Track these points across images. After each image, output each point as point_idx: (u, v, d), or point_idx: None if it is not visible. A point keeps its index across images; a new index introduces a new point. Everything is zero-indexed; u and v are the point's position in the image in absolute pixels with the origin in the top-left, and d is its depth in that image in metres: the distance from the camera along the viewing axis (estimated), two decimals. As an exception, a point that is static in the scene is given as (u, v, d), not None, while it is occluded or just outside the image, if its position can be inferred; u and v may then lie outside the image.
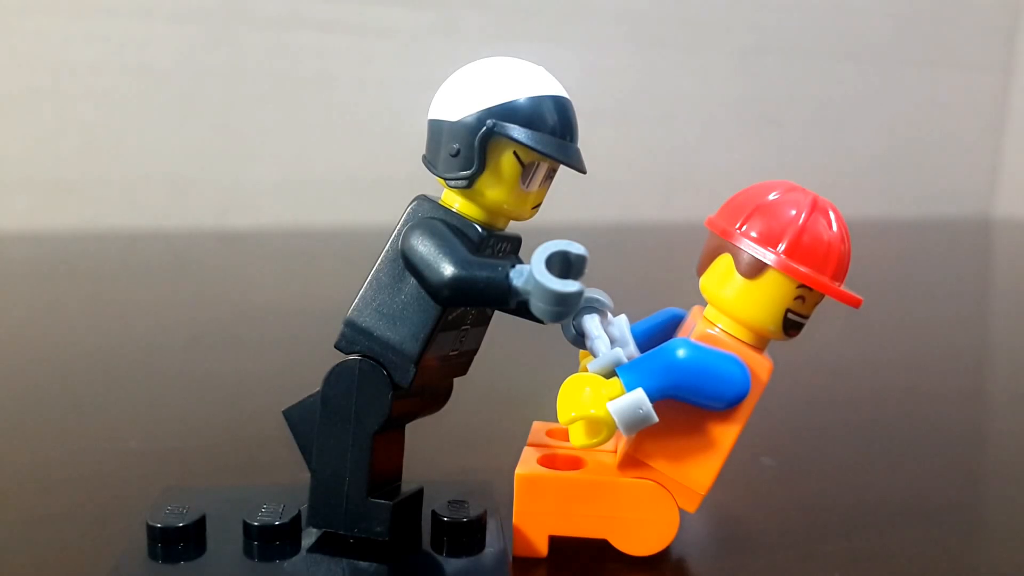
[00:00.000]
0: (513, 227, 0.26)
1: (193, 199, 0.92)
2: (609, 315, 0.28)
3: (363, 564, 0.24)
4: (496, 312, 0.26)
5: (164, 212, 0.91)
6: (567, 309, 0.22)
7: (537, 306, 0.22)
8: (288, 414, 0.26)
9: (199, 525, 0.25)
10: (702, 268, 0.27)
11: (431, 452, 0.30)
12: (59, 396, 0.40)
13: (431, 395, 0.27)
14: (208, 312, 0.58)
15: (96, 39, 0.87)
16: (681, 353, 0.25)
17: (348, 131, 0.96)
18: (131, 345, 0.49)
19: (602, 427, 0.25)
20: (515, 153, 0.24)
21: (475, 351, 0.28)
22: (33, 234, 0.86)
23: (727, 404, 0.25)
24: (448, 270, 0.23)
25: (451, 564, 0.24)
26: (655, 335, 0.29)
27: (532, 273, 0.22)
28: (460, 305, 0.24)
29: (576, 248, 0.23)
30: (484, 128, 0.24)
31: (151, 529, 0.25)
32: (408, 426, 0.28)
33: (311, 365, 0.27)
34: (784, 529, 0.30)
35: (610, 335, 0.27)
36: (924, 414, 0.42)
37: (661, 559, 0.27)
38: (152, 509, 0.25)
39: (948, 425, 0.41)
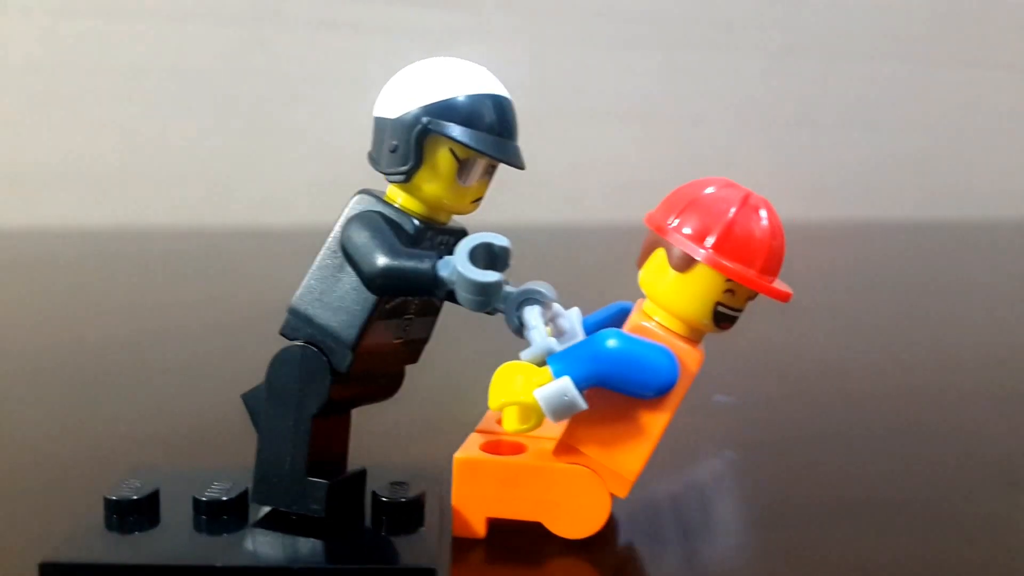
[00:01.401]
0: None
1: (230, 197, 0.94)
2: (557, 307, 0.29)
3: (302, 540, 0.25)
4: (451, 304, 0.28)
5: (202, 210, 0.94)
6: (488, 299, 0.23)
7: (461, 295, 0.24)
8: (246, 398, 0.28)
9: (152, 499, 0.26)
10: (641, 262, 0.27)
11: (387, 438, 0.31)
12: (79, 385, 0.42)
13: (379, 381, 0.28)
14: (239, 306, 0.60)
15: (137, 41, 0.90)
16: (609, 343, 0.26)
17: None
18: (159, 336, 0.51)
19: (531, 413, 0.26)
20: (451, 150, 0.25)
21: (425, 340, 0.29)
22: (75, 230, 0.89)
23: (655, 393, 0.26)
24: (379, 260, 0.24)
25: (386, 541, 0.25)
26: (606, 327, 0.30)
27: (455, 264, 0.23)
28: (391, 294, 0.25)
29: (500, 240, 0.24)
30: (420, 125, 0.25)
31: (107, 502, 0.26)
32: (364, 412, 0.29)
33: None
34: (729, 519, 0.30)
35: (560, 327, 0.28)
36: (952, 416, 0.42)
37: (597, 544, 0.27)
38: (112, 485, 0.27)
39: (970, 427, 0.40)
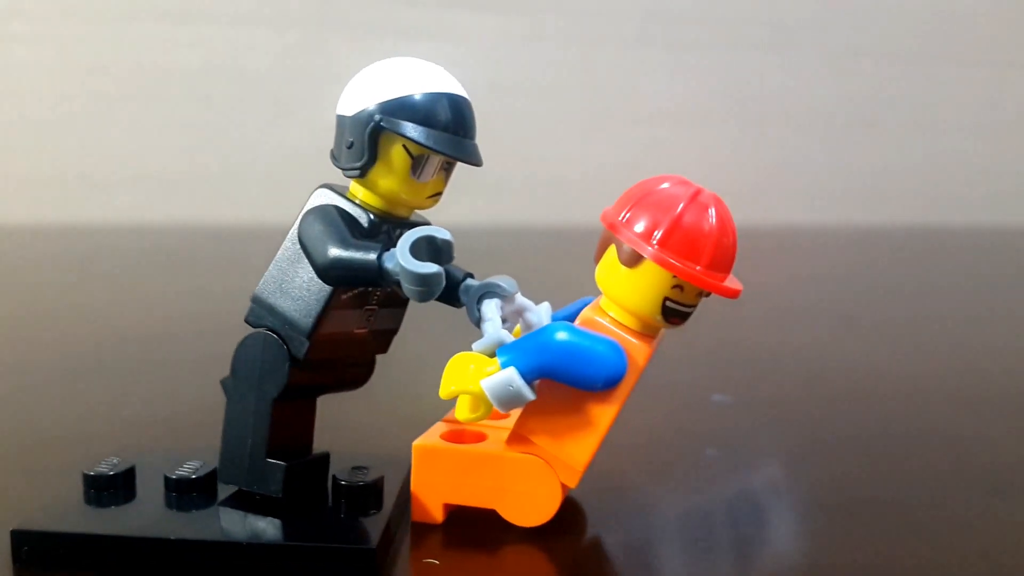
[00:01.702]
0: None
1: (287, 195, 0.97)
2: (526, 301, 0.29)
3: (259, 518, 0.27)
4: None
5: (260, 207, 0.96)
6: (429, 289, 0.24)
7: (405, 286, 0.25)
8: (224, 383, 0.29)
9: (128, 475, 0.28)
10: (597, 257, 0.28)
11: (359, 426, 0.33)
12: (107, 371, 0.45)
13: (345, 370, 0.29)
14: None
15: (198, 44, 0.93)
16: (556, 335, 0.26)
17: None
18: (208, 327, 0.53)
19: (480, 403, 0.26)
20: (404, 146, 0.26)
21: (394, 330, 0.30)
22: (138, 227, 0.93)
23: (603, 385, 0.26)
24: (329, 251, 0.25)
25: (337, 523, 0.26)
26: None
27: (396, 256, 0.24)
28: (342, 284, 0.26)
29: (442, 234, 0.25)
30: (373, 122, 0.26)
31: (85, 477, 0.28)
32: (338, 401, 0.30)
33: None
34: (690, 513, 0.31)
35: (528, 321, 0.29)
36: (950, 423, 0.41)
37: (553, 532, 0.28)
38: (92, 462, 0.29)
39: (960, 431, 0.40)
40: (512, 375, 0.26)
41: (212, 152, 0.95)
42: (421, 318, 0.32)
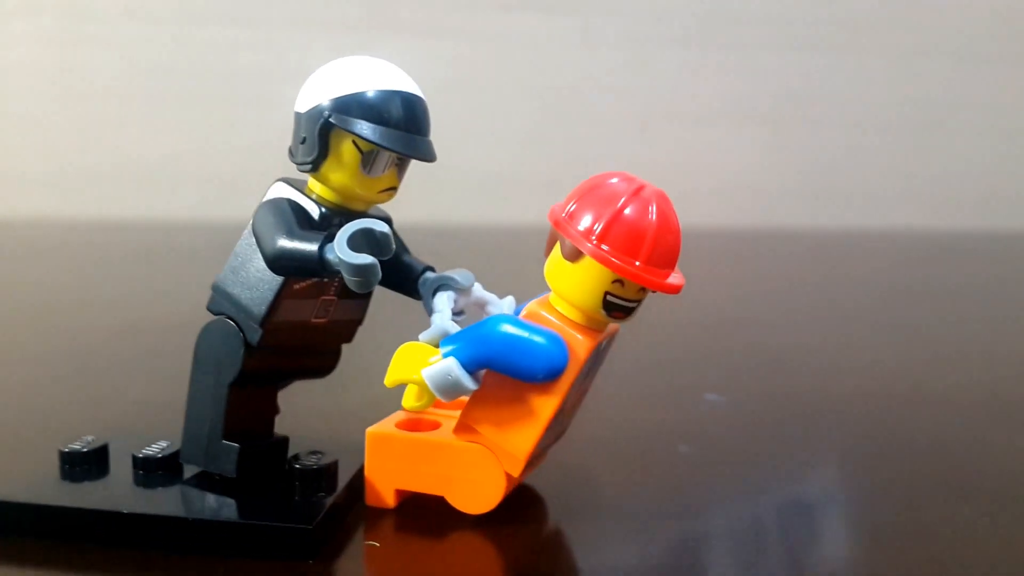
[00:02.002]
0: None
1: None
2: (489, 295, 0.30)
3: (215, 496, 0.28)
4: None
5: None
6: (366, 279, 0.25)
7: (345, 277, 0.25)
8: None
9: (101, 453, 0.30)
10: (546, 252, 0.28)
11: (326, 413, 0.33)
12: (98, 361, 0.47)
13: (308, 358, 0.30)
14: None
15: (261, 47, 0.96)
16: (496, 327, 0.27)
17: (488, 133, 1.00)
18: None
19: (424, 391, 0.27)
20: (354, 142, 0.27)
21: (357, 321, 0.31)
22: (202, 223, 0.96)
23: (544, 376, 0.27)
24: (276, 243, 0.26)
25: (285, 502, 0.27)
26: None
27: (334, 247, 0.25)
28: (289, 275, 0.27)
29: (379, 226, 0.26)
30: (323, 119, 0.27)
31: (60, 454, 0.29)
32: (307, 389, 0.31)
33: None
34: (653, 508, 0.31)
35: (489, 314, 0.30)
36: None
37: (507, 522, 0.29)
38: (70, 441, 0.30)
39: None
40: (451, 365, 0.27)
41: (273, 153, 0.98)
42: (391, 309, 0.33)
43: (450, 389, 0.27)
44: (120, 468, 0.30)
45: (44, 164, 0.94)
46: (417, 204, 0.98)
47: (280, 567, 0.26)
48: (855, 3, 1.07)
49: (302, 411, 0.33)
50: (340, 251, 0.25)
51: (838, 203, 1.08)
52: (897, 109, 1.09)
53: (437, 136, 0.93)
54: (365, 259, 0.25)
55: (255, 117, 0.97)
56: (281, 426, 0.31)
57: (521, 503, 0.31)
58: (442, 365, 0.27)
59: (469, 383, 0.27)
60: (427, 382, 0.27)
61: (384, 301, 0.32)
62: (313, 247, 0.26)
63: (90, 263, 0.79)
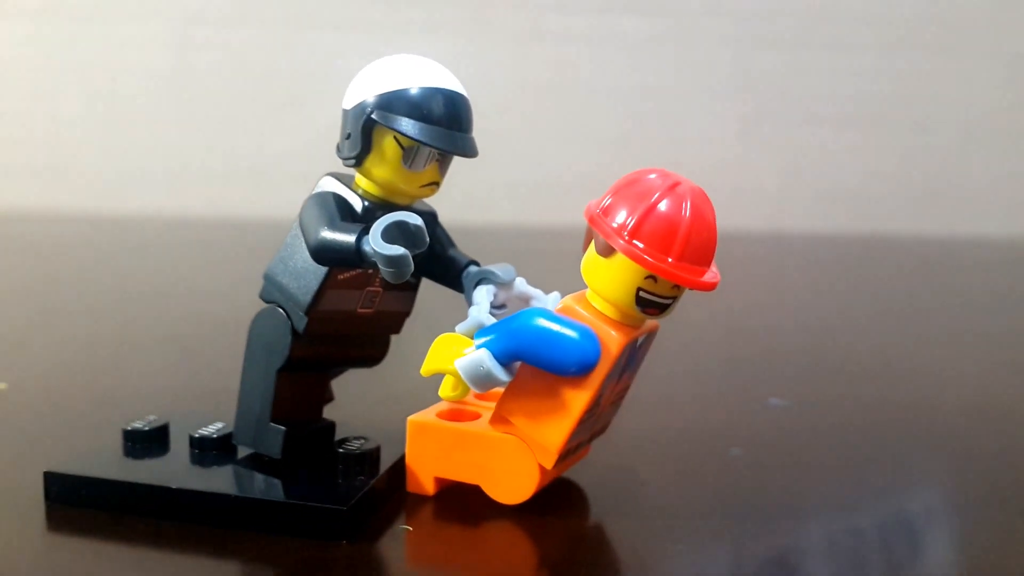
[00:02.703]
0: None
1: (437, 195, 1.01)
2: (534, 290, 0.31)
3: (261, 476, 0.29)
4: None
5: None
6: (399, 270, 0.26)
7: (380, 268, 0.26)
8: None
9: (161, 432, 0.31)
10: (584, 247, 0.29)
11: (378, 401, 0.34)
12: (167, 347, 0.49)
13: (356, 347, 0.31)
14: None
15: (356, 51, 0.99)
16: (529, 320, 0.27)
17: (582, 135, 1.01)
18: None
19: (459, 382, 0.28)
20: (395, 138, 0.28)
21: (405, 313, 0.32)
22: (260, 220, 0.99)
23: (577, 370, 0.27)
24: (318, 234, 0.27)
25: (326, 484, 0.28)
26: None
27: (369, 239, 0.26)
28: (330, 265, 0.28)
29: (413, 219, 0.26)
30: (366, 115, 0.28)
31: (123, 432, 0.31)
32: (361, 377, 0.32)
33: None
34: (698, 509, 0.31)
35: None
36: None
37: (546, 514, 0.29)
38: (134, 420, 0.32)
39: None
40: (483, 356, 0.27)
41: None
42: (441, 301, 0.33)
43: (482, 380, 0.27)
44: (179, 447, 0.31)
45: (158, 162, 0.98)
46: (510, 205, 0.99)
47: (315, 546, 0.27)
48: (963, 3, 1.03)
49: (354, 399, 0.34)
50: (374, 242, 0.26)
51: (944, 209, 1.04)
52: (1007, 113, 1.04)
53: (532, 138, 0.96)
54: (397, 250, 0.26)
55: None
56: (332, 412, 0.33)
57: (563, 497, 0.31)
58: (475, 356, 0.27)
59: (501, 375, 0.27)
60: (460, 372, 0.27)
61: (435, 294, 0.32)
62: (351, 238, 0.27)
63: (196, 257, 0.83)
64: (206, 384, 0.32)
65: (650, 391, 0.43)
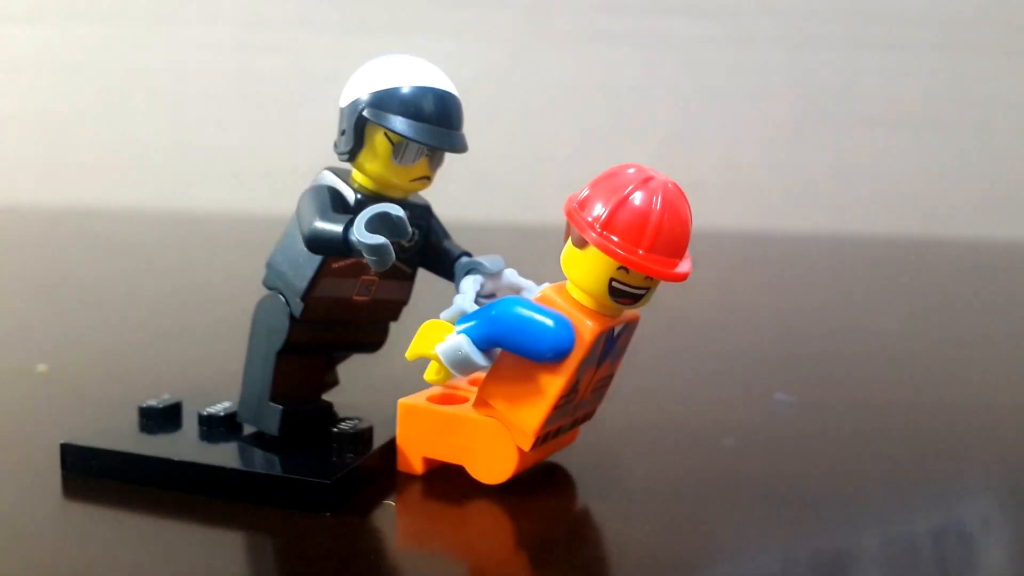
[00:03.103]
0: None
1: (492, 195, 1.02)
2: (525, 281, 0.32)
3: (259, 451, 0.31)
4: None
5: (465, 204, 1.03)
6: (380, 258, 0.27)
7: (365, 256, 0.28)
8: None
9: (174, 410, 0.33)
10: (565, 239, 0.30)
11: (376, 386, 0.36)
12: (187, 332, 0.52)
13: (355, 333, 0.33)
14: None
15: (427, 56, 1.01)
16: (507, 307, 0.29)
17: (633, 138, 1.01)
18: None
19: (441, 366, 0.29)
20: (385, 134, 0.30)
21: (402, 301, 0.33)
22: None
23: (552, 356, 0.28)
24: (309, 224, 0.29)
25: (316, 460, 0.30)
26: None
27: (354, 230, 0.28)
28: (321, 253, 0.30)
29: (395, 210, 0.28)
30: (358, 112, 0.30)
31: (139, 409, 0.33)
32: (363, 362, 0.34)
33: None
34: (684, 490, 0.32)
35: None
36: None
37: (532, 496, 0.31)
38: (148, 398, 0.34)
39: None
40: (462, 341, 0.29)
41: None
42: (439, 290, 0.35)
43: (461, 364, 0.29)
44: (190, 424, 0.33)
45: (221, 162, 1.02)
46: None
47: (302, 517, 0.28)
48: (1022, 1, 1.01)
49: (357, 383, 0.36)
50: (358, 232, 0.27)
51: (1003, 211, 1.02)
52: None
53: (585, 139, 0.97)
54: (377, 239, 0.27)
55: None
56: (335, 395, 0.34)
57: (549, 480, 0.32)
58: (454, 341, 0.29)
59: (479, 359, 0.29)
60: (440, 357, 0.29)
61: (431, 284, 0.34)
62: (339, 228, 0.28)
63: (256, 252, 0.86)
64: (219, 366, 0.34)
65: (654, 382, 0.44)
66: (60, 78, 1.04)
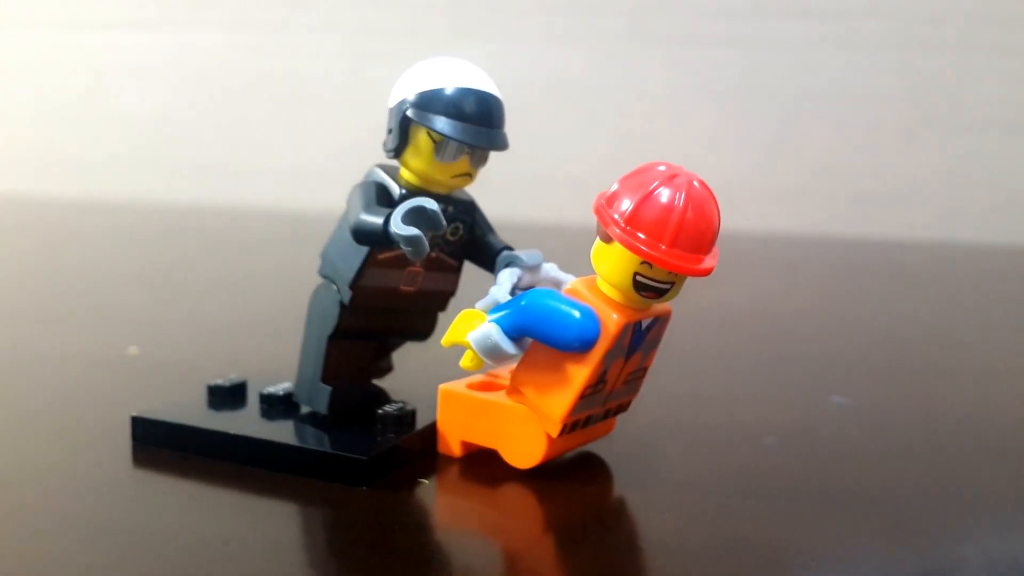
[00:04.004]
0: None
1: (592, 199, 1.04)
2: (563, 275, 0.34)
3: (308, 428, 0.33)
4: None
5: (562, 208, 1.04)
6: (415, 248, 0.29)
7: (401, 246, 0.30)
8: None
9: (239, 388, 0.36)
10: (597, 233, 0.31)
11: (427, 372, 0.38)
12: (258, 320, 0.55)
13: (402, 322, 0.35)
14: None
15: (511, 60, 1.03)
16: (536, 298, 0.30)
17: (738, 139, 1.01)
18: None
19: (475, 354, 0.31)
20: (428, 132, 0.31)
21: (449, 292, 0.35)
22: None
23: (579, 345, 0.30)
24: (355, 216, 0.31)
25: (359, 438, 0.32)
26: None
27: (391, 222, 0.30)
28: (365, 244, 0.31)
29: (430, 204, 0.30)
30: (403, 112, 0.31)
31: (207, 387, 0.36)
32: (417, 350, 0.36)
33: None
34: (721, 486, 0.32)
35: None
36: None
37: (566, 483, 0.32)
38: (218, 378, 0.37)
39: None
40: (491, 329, 0.30)
41: (523, 157, 1.04)
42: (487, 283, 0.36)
43: (490, 351, 0.30)
44: (253, 402, 0.36)
45: (334, 163, 1.06)
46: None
47: (341, 490, 0.30)
48: None
49: (412, 368, 0.37)
50: (394, 224, 0.29)
51: None
52: None
53: (689, 143, 0.97)
54: (411, 231, 0.29)
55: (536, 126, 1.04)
56: (389, 380, 0.36)
57: (587, 469, 0.34)
58: (484, 329, 0.30)
59: (508, 347, 0.30)
60: (471, 344, 0.30)
61: (479, 277, 0.36)
62: (380, 220, 0.30)
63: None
64: (284, 350, 0.37)
65: (705, 381, 0.45)
66: (184, 83, 1.11)
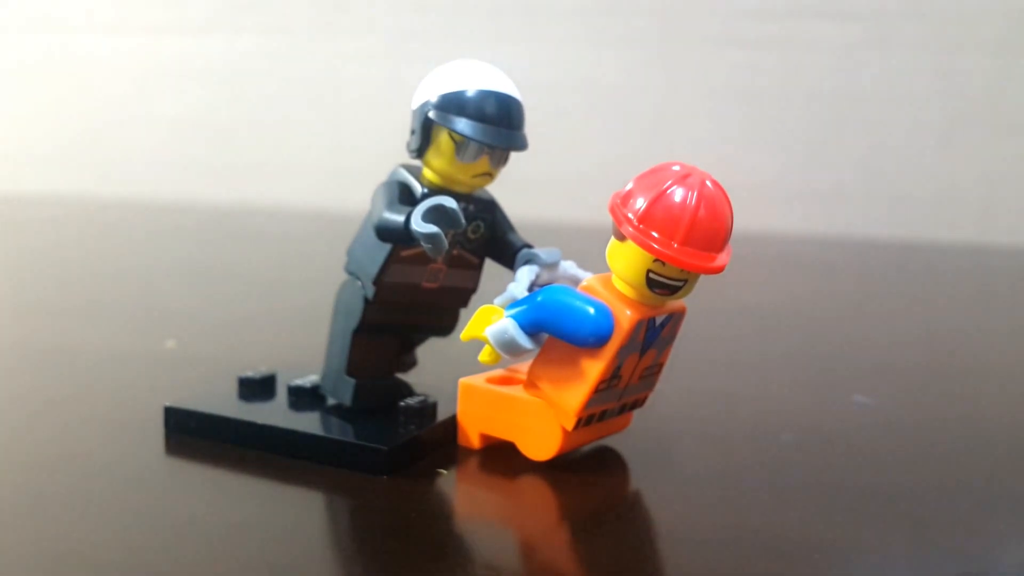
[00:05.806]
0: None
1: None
2: (570, 270, 0.34)
3: (333, 419, 0.34)
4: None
5: (599, 208, 1.05)
6: (434, 245, 0.30)
7: (421, 243, 0.31)
8: None
9: (268, 380, 0.37)
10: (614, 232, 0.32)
11: (450, 368, 0.39)
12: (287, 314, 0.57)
13: (425, 317, 0.36)
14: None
15: (555, 63, 1.04)
16: (551, 294, 0.31)
17: (772, 140, 1.01)
18: None
19: (492, 348, 0.32)
20: (449, 133, 0.32)
21: (471, 289, 0.36)
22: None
23: (594, 340, 0.30)
24: (378, 214, 0.32)
25: (381, 429, 0.33)
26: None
27: (411, 219, 0.31)
28: (387, 241, 0.32)
29: (449, 202, 0.31)
30: (424, 114, 0.32)
31: (239, 379, 0.37)
32: (437, 345, 0.37)
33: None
34: (738, 481, 0.33)
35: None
36: None
37: (584, 476, 0.33)
38: (249, 370, 0.38)
39: None
40: (507, 324, 0.31)
41: (558, 157, 1.05)
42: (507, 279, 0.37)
43: (507, 345, 0.31)
44: (282, 394, 0.37)
45: (371, 164, 1.08)
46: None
47: (361, 478, 0.31)
48: None
49: (434, 363, 0.38)
50: (414, 222, 0.30)
51: None
52: None
53: (725, 144, 0.98)
54: (430, 228, 0.30)
55: (549, 125, 1.05)
56: (414, 374, 0.37)
57: (603, 463, 0.34)
58: (501, 324, 0.31)
59: (524, 342, 0.31)
60: (489, 338, 0.31)
61: (500, 274, 0.36)
62: (401, 218, 0.31)
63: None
64: (312, 344, 0.38)
65: (727, 378, 0.45)
66: (225, 86, 1.13)
